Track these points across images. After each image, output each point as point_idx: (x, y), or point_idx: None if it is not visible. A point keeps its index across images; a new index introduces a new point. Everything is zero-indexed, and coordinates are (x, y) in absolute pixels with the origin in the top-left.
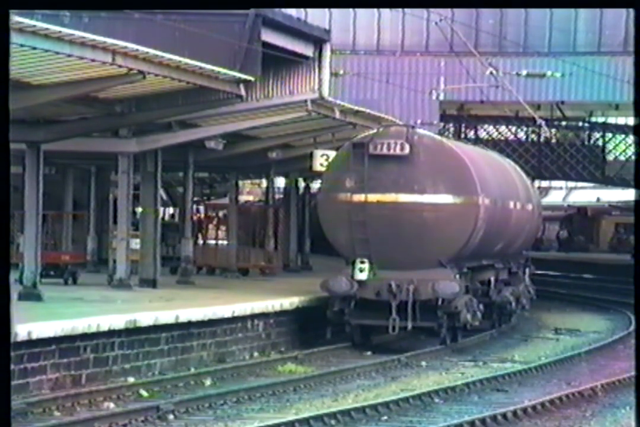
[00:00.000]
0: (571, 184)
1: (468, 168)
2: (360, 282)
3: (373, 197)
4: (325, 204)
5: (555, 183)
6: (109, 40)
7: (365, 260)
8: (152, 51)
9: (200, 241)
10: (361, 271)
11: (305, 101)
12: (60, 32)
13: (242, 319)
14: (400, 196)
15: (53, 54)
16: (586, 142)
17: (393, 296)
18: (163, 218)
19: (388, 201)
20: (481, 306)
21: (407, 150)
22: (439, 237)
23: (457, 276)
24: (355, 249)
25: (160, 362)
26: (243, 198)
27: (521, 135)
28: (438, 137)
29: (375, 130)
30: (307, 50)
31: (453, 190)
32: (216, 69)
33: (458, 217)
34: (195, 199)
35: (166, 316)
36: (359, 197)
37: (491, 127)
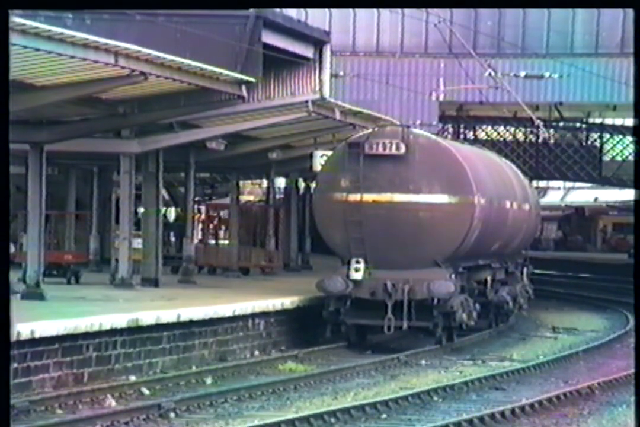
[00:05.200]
0: (569, 184)
1: (463, 168)
2: (355, 282)
3: (368, 197)
4: (320, 204)
5: (553, 183)
6: (112, 42)
7: (361, 260)
8: (154, 53)
9: (197, 239)
10: (357, 270)
11: (306, 102)
12: (62, 33)
13: (243, 318)
14: (396, 196)
15: (56, 55)
16: (584, 143)
17: (388, 295)
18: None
19: (383, 201)
20: (477, 306)
21: (402, 150)
22: (434, 237)
23: (453, 276)
24: (350, 248)
25: (162, 360)
26: (244, 198)
27: (519, 135)
28: (433, 136)
29: (370, 130)
30: (308, 51)
31: (448, 190)
32: (217, 70)
33: (453, 216)
34: (197, 199)
35: (168, 315)
36: (354, 197)
37: (490, 128)
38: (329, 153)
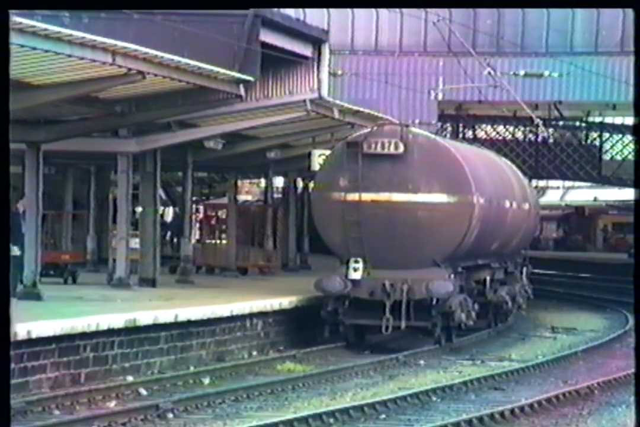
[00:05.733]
0: (568, 183)
1: (462, 167)
2: (354, 282)
3: (367, 197)
4: (319, 203)
5: (553, 183)
6: (109, 41)
7: (359, 259)
8: (151, 51)
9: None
10: (355, 270)
11: (304, 101)
12: (60, 32)
13: (241, 318)
14: (394, 195)
15: (53, 54)
16: (583, 142)
17: (387, 295)
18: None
19: (382, 200)
20: (476, 306)
21: (401, 149)
22: (433, 237)
23: (452, 276)
24: (349, 248)
25: (160, 361)
26: (242, 198)
27: (519, 135)
28: (432, 136)
29: (369, 129)
30: (306, 50)
31: (447, 189)
32: (215, 69)
33: (452, 216)
34: (194, 198)
35: (165, 315)
36: (352, 197)
37: (489, 127)
38: (328, 152)
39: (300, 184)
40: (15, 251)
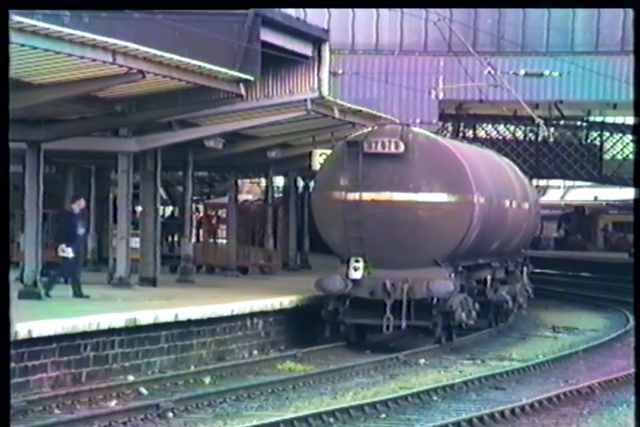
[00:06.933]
0: (569, 182)
1: (463, 166)
2: (354, 281)
3: (367, 196)
4: (319, 203)
5: (553, 182)
6: (109, 40)
7: (360, 259)
8: (152, 51)
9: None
10: (355, 269)
11: (305, 100)
12: (60, 31)
13: (242, 317)
14: (395, 195)
15: (53, 53)
16: (584, 141)
17: (387, 294)
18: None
19: (382, 200)
20: (477, 305)
21: (401, 148)
22: (433, 236)
23: (452, 275)
24: (349, 247)
25: (160, 360)
26: (242, 197)
27: (519, 134)
28: (433, 135)
29: (369, 129)
30: (306, 49)
31: (448, 188)
32: (216, 68)
33: (453, 215)
34: (195, 198)
35: (166, 315)
36: (353, 196)
37: (490, 126)
38: (328, 152)
39: (300, 183)
40: (69, 252)
